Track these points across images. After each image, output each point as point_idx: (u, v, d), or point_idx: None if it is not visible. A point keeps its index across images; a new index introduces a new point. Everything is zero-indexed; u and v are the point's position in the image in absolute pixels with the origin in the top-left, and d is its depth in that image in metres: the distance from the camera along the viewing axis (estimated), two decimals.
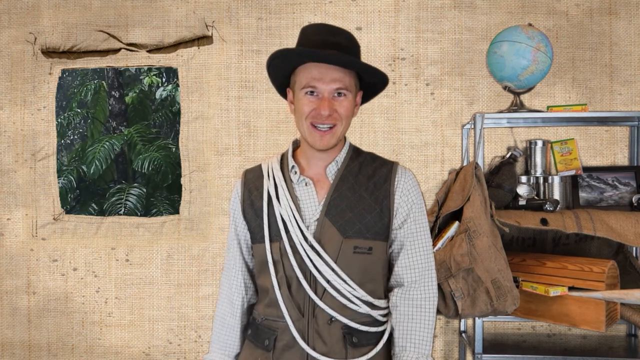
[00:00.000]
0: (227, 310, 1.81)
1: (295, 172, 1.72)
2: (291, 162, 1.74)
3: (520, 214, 2.48)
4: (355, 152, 1.79)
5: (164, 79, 2.87)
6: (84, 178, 3.04)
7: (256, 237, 1.72)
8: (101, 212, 3.04)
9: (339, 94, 1.64)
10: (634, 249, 2.75)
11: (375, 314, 1.68)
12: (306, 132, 1.66)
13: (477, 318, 2.46)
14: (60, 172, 3.09)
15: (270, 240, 1.67)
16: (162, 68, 3.04)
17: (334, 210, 1.66)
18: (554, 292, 2.36)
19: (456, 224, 2.41)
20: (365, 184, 1.70)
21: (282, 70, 1.72)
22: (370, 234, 1.66)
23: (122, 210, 3.24)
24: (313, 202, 1.68)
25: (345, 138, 1.78)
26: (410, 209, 1.71)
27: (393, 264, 1.73)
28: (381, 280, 1.72)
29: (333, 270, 1.62)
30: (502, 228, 2.35)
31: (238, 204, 1.78)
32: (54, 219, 3.08)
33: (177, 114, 3.07)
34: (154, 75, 2.94)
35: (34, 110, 3.07)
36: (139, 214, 3.08)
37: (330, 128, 1.64)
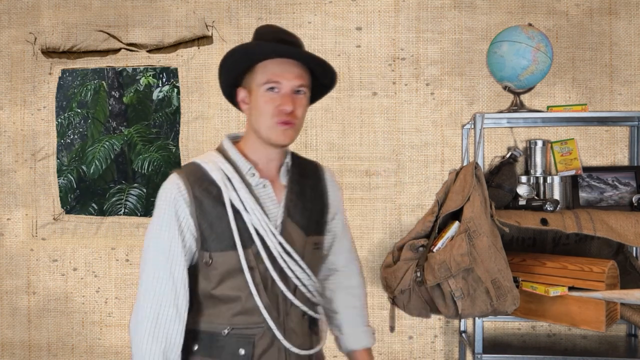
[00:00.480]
0: (171, 315, 1.59)
1: (254, 175, 1.67)
2: (246, 164, 1.68)
3: (520, 214, 2.48)
4: (292, 153, 1.82)
5: (161, 80, 2.86)
6: (84, 178, 3.04)
7: (220, 245, 1.61)
8: (101, 212, 3.04)
9: (298, 91, 1.64)
10: (634, 249, 2.75)
11: (321, 302, 1.82)
12: (267, 129, 1.63)
13: (477, 318, 2.46)
14: (60, 172, 3.09)
15: (243, 247, 1.61)
16: (159, 68, 3.04)
17: (294, 210, 1.70)
18: (554, 292, 2.36)
19: (456, 224, 2.41)
20: (307, 183, 1.77)
21: (239, 67, 1.68)
22: (319, 230, 1.78)
23: (122, 211, 3.23)
24: (274, 204, 1.68)
25: None
26: (338, 203, 1.87)
27: (326, 254, 1.89)
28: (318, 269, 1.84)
29: (302, 268, 1.68)
30: (502, 228, 2.35)
31: (186, 212, 1.60)
32: (54, 219, 3.08)
33: (175, 114, 3.07)
34: (150, 75, 2.93)
35: (34, 110, 3.07)
36: (139, 214, 3.08)
37: (292, 124, 1.63)
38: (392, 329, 2.55)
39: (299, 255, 1.67)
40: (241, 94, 1.70)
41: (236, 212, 1.62)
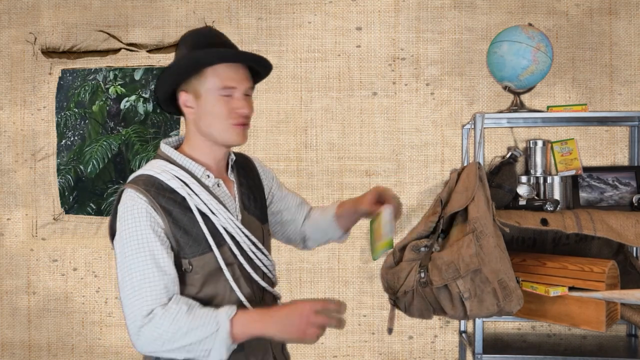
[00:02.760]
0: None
1: (209, 176, 1.71)
2: (199, 167, 1.69)
3: (521, 214, 2.48)
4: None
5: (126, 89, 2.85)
6: (81, 178, 3.04)
7: (196, 249, 1.62)
8: (99, 212, 3.05)
9: (248, 94, 1.71)
10: (634, 249, 2.75)
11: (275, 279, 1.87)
12: (223, 132, 1.67)
13: (477, 318, 2.46)
14: (58, 172, 3.10)
15: (218, 247, 1.64)
16: (127, 77, 3.05)
17: (247, 202, 1.79)
18: (554, 292, 2.36)
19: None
20: (247, 175, 1.86)
21: (187, 73, 1.67)
22: (265, 217, 1.89)
23: None
24: (231, 200, 1.74)
25: None
26: (271, 181, 2.00)
27: (286, 220, 2.03)
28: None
29: (265, 255, 1.78)
30: (503, 228, 2.35)
31: (160, 224, 1.59)
32: (54, 219, 3.08)
33: (143, 123, 3.07)
34: (119, 85, 2.95)
35: (34, 110, 3.07)
36: None
37: (245, 125, 1.71)
38: (390, 331, 2.53)
39: (261, 244, 1.77)
40: (183, 97, 1.69)
41: (204, 215, 1.65)
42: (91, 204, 3.13)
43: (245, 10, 3.00)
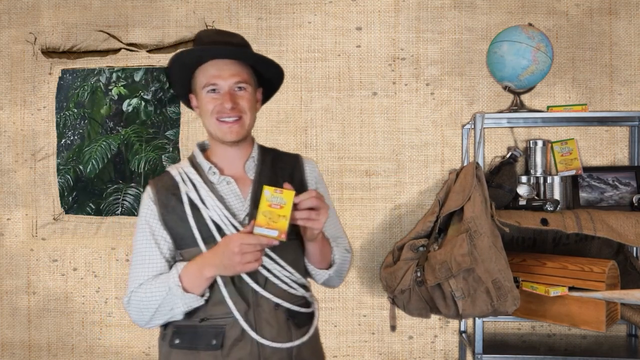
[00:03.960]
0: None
1: (214, 173, 1.75)
2: (207, 164, 1.77)
3: (521, 214, 2.48)
4: (263, 148, 1.88)
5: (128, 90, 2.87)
6: (81, 178, 3.04)
7: (186, 242, 1.70)
8: (98, 212, 3.04)
9: (239, 88, 1.72)
10: (635, 249, 2.75)
11: (307, 295, 1.80)
12: (214, 128, 1.73)
13: (477, 318, 2.46)
14: (57, 172, 3.10)
15: (205, 243, 1.67)
16: (130, 79, 3.05)
17: None
18: (554, 292, 2.36)
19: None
20: (282, 175, 1.80)
21: (182, 75, 1.77)
22: None
23: (120, 210, 3.24)
24: (239, 199, 1.74)
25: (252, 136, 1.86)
26: (319, 191, 1.85)
27: None
28: (303, 263, 1.81)
29: (272, 259, 1.71)
30: (502, 228, 2.35)
31: (155, 215, 1.74)
32: (54, 219, 3.08)
33: (143, 124, 3.08)
34: (121, 86, 2.95)
35: (34, 110, 3.07)
36: (136, 213, 3.10)
37: (237, 120, 1.71)
38: (393, 328, 2.55)
39: (268, 248, 1.70)
40: (193, 100, 1.81)
41: (195, 208, 1.69)
42: (91, 204, 3.13)
43: (245, 10, 3.00)
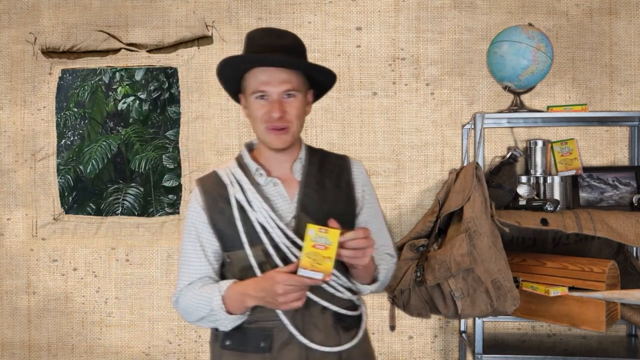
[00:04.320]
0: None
1: (261, 174, 1.74)
2: (254, 165, 1.76)
3: (521, 214, 2.49)
4: (311, 149, 1.85)
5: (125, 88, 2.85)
6: (81, 178, 3.04)
7: (233, 244, 1.70)
8: (99, 212, 3.05)
9: (289, 95, 1.68)
10: (634, 249, 2.75)
11: (354, 298, 1.75)
12: (262, 135, 1.71)
13: (477, 318, 2.46)
14: (57, 172, 3.10)
15: (251, 245, 1.67)
16: (132, 78, 3.06)
17: (309, 205, 1.71)
18: (554, 292, 2.36)
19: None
20: (329, 177, 1.78)
21: (233, 77, 1.75)
22: (342, 223, 1.70)
23: (120, 210, 3.24)
24: (285, 201, 1.72)
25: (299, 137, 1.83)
26: (366, 196, 1.83)
27: None
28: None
29: None
30: (502, 228, 2.35)
31: (203, 214, 1.74)
32: (54, 219, 3.08)
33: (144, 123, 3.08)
34: (126, 85, 2.96)
35: (34, 110, 3.07)
36: (136, 213, 3.09)
37: (284, 128, 1.69)
38: (392, 328, 2.55)
39: None
40: (242, 100, 1.79)
41: (242, 210, 1.69)
42: (91, 204, 3.14)
43: (245, 10, 3.00)
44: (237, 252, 1.69)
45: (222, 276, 1.78)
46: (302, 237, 1.62)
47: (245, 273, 1.69)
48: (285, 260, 1.64)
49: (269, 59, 1.67)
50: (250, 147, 1.85)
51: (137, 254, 3.05)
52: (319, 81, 1.80)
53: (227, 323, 1.67)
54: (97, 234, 3.07)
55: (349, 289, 1.73)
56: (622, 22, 2.89)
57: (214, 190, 1.74)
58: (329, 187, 1.76)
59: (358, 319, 1.77)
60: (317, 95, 1.87)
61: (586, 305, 2.35)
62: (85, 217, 3.10)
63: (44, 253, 3.08)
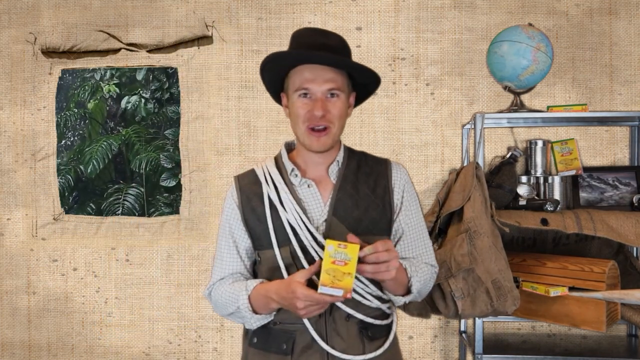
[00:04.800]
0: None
1: (296, 175, 1.72)
2: (290, 165, 1.74)
3: (521, 214, 2.48)
4: (350, 151, 1.82)
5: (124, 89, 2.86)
6: (81, 178, 3.04)
7: (263, 243, 1.70)
8: (99, 212, 3.04)
9: (332, 94, 1.66)
10: (635, 249, 2.75)
11: (384, 307, 1.71)
12: (303, 135, 1.68)
13: (477, 318, 2.46)
14: (58, 172, 3.10)
15: (279, 245, 1.66)
16: (124, 77, 3.06)
17: (341, 209, 1.68)
18: (554, 292, 2.36)
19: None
20: (366, 181, 1.74)
21: (276, 74, 1.73)
22: (376, 229, 1.70)
23: (120, 210, 3.25)
24: (318, 203, 1.69)
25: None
26: (405, 202, 1.77)
27: None
28: None
29: None
30: (503, 228, 2.35)
31: (237, 211, 1.74)
32: (54, 219, 3.08)
33: (141, 123, 3.08)
34: (113, 84, 2.95)
35: (34, 110, 3.07)
36: (136, 213, 3.09)
37: (325, 129, 1.66)
38: None
39: None
40: (283, 99, 1.77)
41: (274, 210, 1.68)
42: (91, 204, 3.13)
43: (245, 10, 3.00)
44: (266, 251, 1.69)
45: (255, 274, 1.78)
46: None
47: (273, 273, 1.68)
48: (312, 264, 1.60)
49: (315, 56, 1.64)
50: (289, 147, 1.84)
51: (137, 254, 3.05)
52: (362, 84, 1.78)
53: (253, 322, 1.67)
54: (97, 234, 3.07)
55: (379, 298, 1.69)
56: (622, 22, 2.89)
57: (249, 187, 1.74)
58: (364, 192, 1.72)
59: (387, 328, 1.74)
60: (359, 99, 1.84)
61: (586, 305, 2.35)
62: (85, 217, 3.10)
63: (44, 253, 3.08)
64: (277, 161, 1.79)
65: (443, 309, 2.39)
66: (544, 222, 2.40)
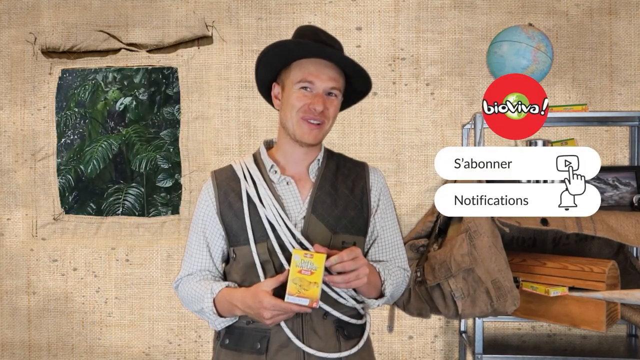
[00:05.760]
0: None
1: (276, 172, 1.73)
2: (269, 161, 1.74)
3: None
4: (329, 152, 1.83)
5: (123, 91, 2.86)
6: (82, 178, 3.04)
7: (239, 239, 1.69)
8: (99, 212, 3.05)
9: (331, 93, 1.68)
10: (635, 249, 2.75)
11: (359, 307, 1.72)
12: (295, 125, 1.68)
13: (477, 318, 2.46)
14: (58, 172, 3.10)
15: (256, 242, 1.65)
16: (126, 79, 3.06)
17: (320, 207, 1.69)
18: (554, 292, 2.36)
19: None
20: (344, 181, 1.75)
21: (275, 63, 1.72)
22: (354, 229, 1.72)
23: (120, 210, 3.25)
24: (297, 200, 1.70)
25: None
26: (380, 203, 1.80)
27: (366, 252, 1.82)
28: None
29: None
30: (502, 228, 2.35)
31: (212, 207, 1.73)
32: (54, 219, 3.08)
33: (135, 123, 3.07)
34: (116, 88, 2.95)
35: (34, 110, 3.07)
36: (137, 213, 3.09)
37: (319, 125, 1.67)
38: (390, 329, 2.55)
39: None
40: (275, 89, 1.77)
41: (252, 205, 1.67)
42: (91, 204, 3.13)
43: (245, 10, 3.00)
44: (242, 247, 1.68)
45: (227, 272, 1.76)
46: (309, 239, 1.62)
47: (249, 270, 1.67)
48: (290, 261, 1.61)
49: (328, 51, 1.65)
50: (268, 145, 1.83)
51: (137, 254, 3.05)
52: (354, 90, 1.79)
53: (217, 323, 1.67)
54: (97, 234, 3.07)
55: (354, 298, 1.70)
56: (622, 22, 2.89)
57: (226, 183, 1.73)
58: (342, 192, 1.73)
59: (362, 328, 1.74)
60: (342, 105, 1.84)
61: (586, 305, 2.35)
62: (85, 217, 3.10)
63: (44, 253, 3.08)
64: (256, 158, 1.78)
65: (443, 309, 2.39)
66: (544, 222, 2.40)
